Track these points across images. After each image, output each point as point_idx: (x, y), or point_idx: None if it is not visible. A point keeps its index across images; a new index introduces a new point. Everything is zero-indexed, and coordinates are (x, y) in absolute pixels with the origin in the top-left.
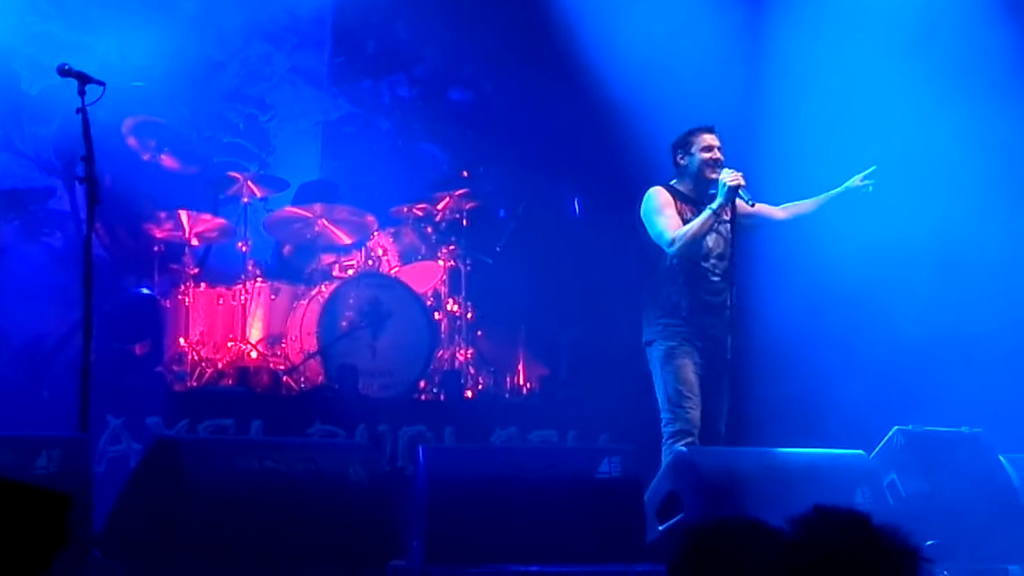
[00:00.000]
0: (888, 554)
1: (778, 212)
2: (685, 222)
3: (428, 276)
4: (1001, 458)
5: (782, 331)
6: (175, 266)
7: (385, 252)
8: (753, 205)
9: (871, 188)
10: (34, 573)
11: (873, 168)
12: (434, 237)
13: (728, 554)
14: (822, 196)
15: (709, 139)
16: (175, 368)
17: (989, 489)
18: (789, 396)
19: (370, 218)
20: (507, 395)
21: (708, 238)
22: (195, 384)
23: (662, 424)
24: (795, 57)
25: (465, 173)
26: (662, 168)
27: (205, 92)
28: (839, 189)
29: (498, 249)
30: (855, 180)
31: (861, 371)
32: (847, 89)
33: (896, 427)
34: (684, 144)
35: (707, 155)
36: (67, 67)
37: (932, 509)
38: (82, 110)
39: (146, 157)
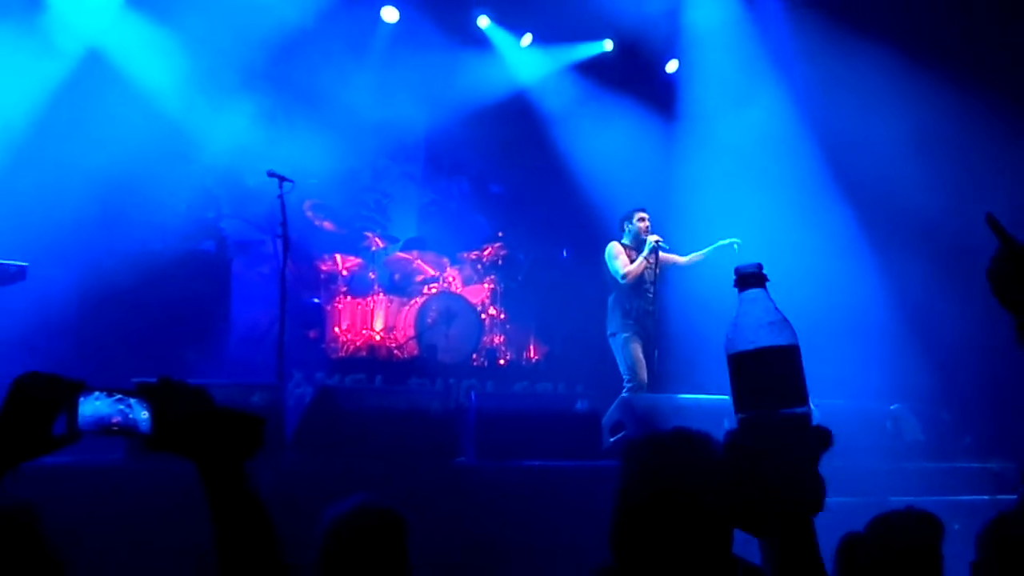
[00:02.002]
0: (710, 448)
1: (681, 259)
2: (631, 261)
3: (479, 294)
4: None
5: (685, 329)
6: (333, 286)
7: (454, 279)
8: (668, 251)
9: (736, 248)
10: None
11: (736, 240)
12: (482, 271)
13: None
14: (706, 249)
15: (642, 215)
16: (332, 345)
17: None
18: (687, 364)
19: (445, 259)
20: (523, 363)
21: (645, 273)
22: (343, 355)
23: (624, 380)
24: (693, 162)
25: (500, 234)
26: (614, 228)
27: (351, 185)
28: (714, 246)
29: (519, 278)
30: (722, 242)
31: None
32: (727, 182)
33: None
34: (629, 217)
35: (641, 224)
36: (271, 171)
37: None
38: (280, 196)
39: (316, 223)
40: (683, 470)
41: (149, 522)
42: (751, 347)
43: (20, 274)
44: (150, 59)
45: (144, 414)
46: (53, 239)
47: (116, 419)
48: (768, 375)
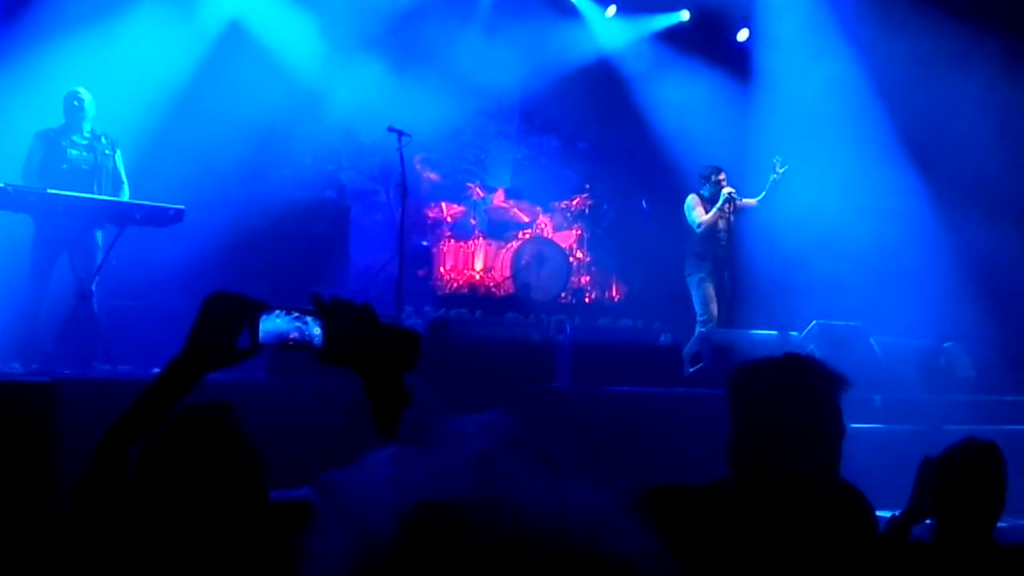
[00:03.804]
0: (824, 375)
1: (753, 201)
2: (706, 212)
3: (567, 239)
4: (871, 339)
5: (755, 269)
6: (438, 231)
7: (546, 225)
8: (741, 200)
9: (779, 166)
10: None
11: (786, 166)
12: (571, 218)
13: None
14: (766, 187)
15: (721, 174)
16: (438, 283)
17: (863, 354)
18: (758, 302)
19: (538, 208)
20: (606, 301)
21: (719, 222)
22: (448, 291)
23: (698, 316)
24: (764, 117)
25: (587, 186)
26: (689, 181)
27: (455, 141)
28: (769, 182)
29: (604, 226)
30: (773, 176)
31: (796, 288)
32: (795, 138)
33: (815, 320)
34: (708, 174)
35: (718, 184)
36: (392, 127)
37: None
38: (399, 150)
39: (425, 175)
40: (801, 392)
41: (285, 429)
42: None
43: (178, 216)
44: (284, 30)
45: (317, 330)
46: (204, 187)
47: (293, 335)
48: None
